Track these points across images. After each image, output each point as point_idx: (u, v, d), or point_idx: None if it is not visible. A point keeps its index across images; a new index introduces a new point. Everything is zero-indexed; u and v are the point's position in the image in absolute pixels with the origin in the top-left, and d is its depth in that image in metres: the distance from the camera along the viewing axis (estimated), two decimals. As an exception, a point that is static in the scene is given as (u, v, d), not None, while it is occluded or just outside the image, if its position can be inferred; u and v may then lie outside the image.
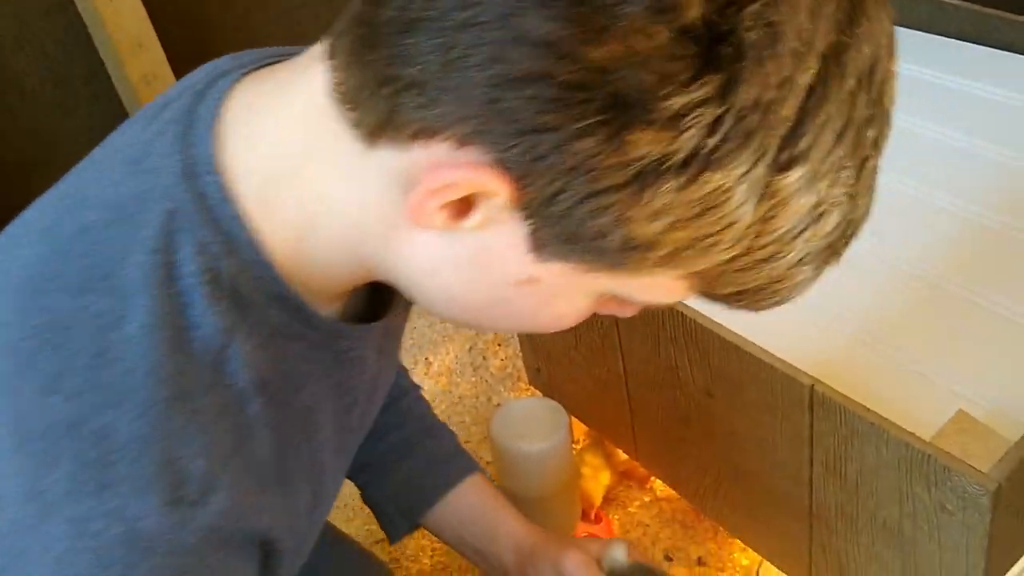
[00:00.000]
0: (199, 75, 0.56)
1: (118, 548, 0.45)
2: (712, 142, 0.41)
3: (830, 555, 0.98)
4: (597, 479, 1.23)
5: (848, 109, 0.43)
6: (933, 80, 1.19)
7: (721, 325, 0.92)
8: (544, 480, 1.12)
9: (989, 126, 1.13)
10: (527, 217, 0.46)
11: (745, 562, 1.19)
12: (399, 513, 0.91)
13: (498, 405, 1.39)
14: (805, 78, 0.41)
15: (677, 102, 0.40)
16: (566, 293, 0.51)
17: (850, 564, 0.96)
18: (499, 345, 1.47)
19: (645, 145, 0.41)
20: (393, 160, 0.47)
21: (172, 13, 1.43)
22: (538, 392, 1.34)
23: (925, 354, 0.90)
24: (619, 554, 0.84)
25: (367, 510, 0.92)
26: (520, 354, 1.43)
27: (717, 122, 0.41)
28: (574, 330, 1.11)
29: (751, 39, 0.40)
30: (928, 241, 1.01)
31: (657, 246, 0.45)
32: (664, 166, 0.42)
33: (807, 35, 0.41)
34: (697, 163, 0.42)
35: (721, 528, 1.21)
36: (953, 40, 1.25)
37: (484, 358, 1.46)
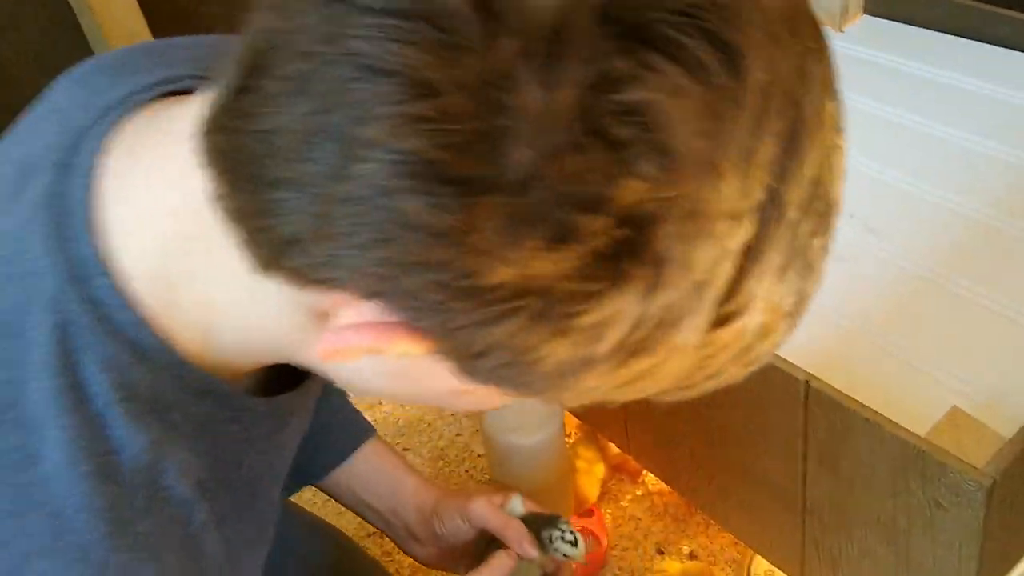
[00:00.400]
0: (52, 127, 0.50)
1: None
2: (639, 335, 0.37)
3: (822, 550, 0.98)
4: (592, 472, 1.23)
5: (791, 240, 0.38)
6: (923, 74, 1.19)
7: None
8: (536, 473, 1.12)
9: (983, 121, 1.13)
10: (451, 361, 0.40)
11: (736, 556, 1.20)
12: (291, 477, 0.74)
13: (489, 398, 1.39)
14: (739, 241, 0.36)
15: (592, 317, 0.36)
16: (496, 397, 0.47)
17: (842, 559, 0.97)
18: (490, 337, 1.47)
19: (564, 351, 0.38)
20: (292, 292, 0.41)
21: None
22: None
23: (920, 350, 0.90)
24: (517, 504, 0.85)
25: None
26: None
27: (641, 320, 0.37)
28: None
29: (669, 248, 0.35)
30: (924, 237, 1.01)
31: (584, 397, 0.43)
32: (587, 363, 0.38)
33: (737, 203, 0.35)
34: (623, 353, 0.38)
35: (713, 522, 1.21)
36: (941, 33, 1.25)
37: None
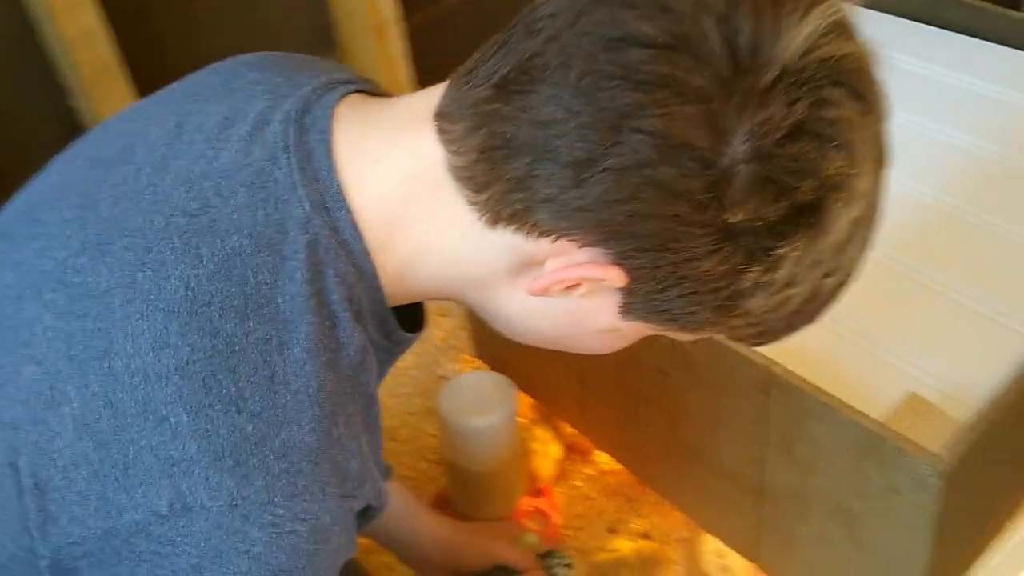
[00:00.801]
0: (278, 84, 0.63)
1: (307, 542, 0.55)
2: (798, 272, 0.55)
3: (777, 532, 0.99)
4: (547, 453, 1.22)
5: (873, 215, 0.58)
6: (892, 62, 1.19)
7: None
8: (491, 454, 1.11)
9: (944, 110, 1.14)
10: (628, 296, 0.57)
11: (688, 535, 1.20)
12: None
13: (441, 377, 1.37)
14: (857, 215, 0.55)
15: (783, 251, 0.53)
16: (633, 335, 0.63)
17: (797, 542, 0.97)
18: (442, 316, 1.45)
19: (751, 278, 0.54)
20: (514, 241, 0.57)
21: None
22: (482, 364, 1.32)
23: (879, 337, 0.91)
24: (531, 538, 1.04)
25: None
26: (463, 325, 1.41)
27: (810, 264, 0.55)
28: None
29: (835, 208, 0.53)
30: (884, 224, 1.02)
31: (731, 329, 0.60)
32: (759, 290, 0.55)
33: (868, 188, 0.55)
34: (784, 286, 0.55)
35: (666, 502, 1.21)
36: (898, 18, 1.26)
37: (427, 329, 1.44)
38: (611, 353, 0.66)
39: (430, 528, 0.99)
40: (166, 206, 0.58)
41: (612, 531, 1.22)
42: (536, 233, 0.56)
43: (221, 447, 0.54)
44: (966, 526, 0.93)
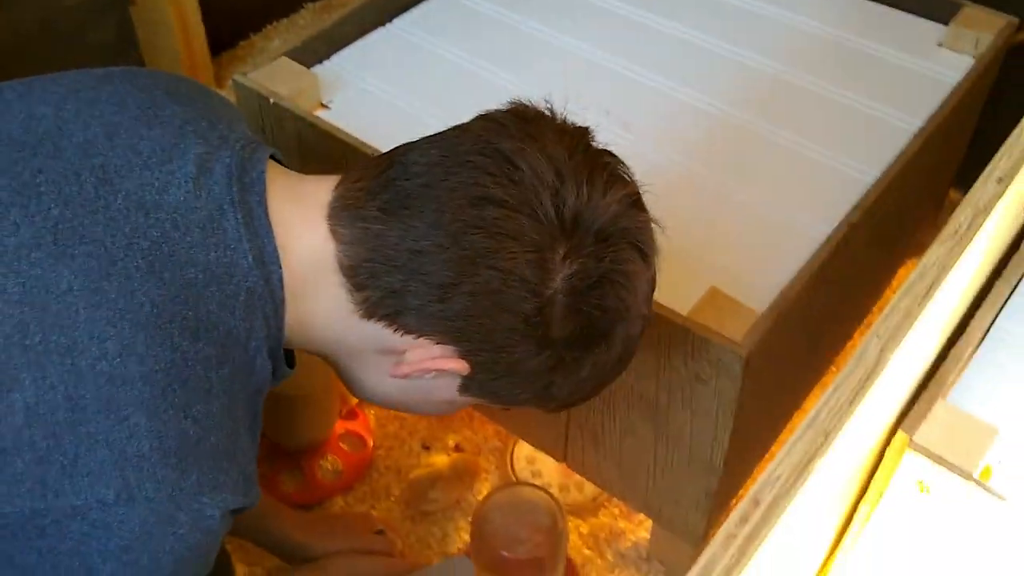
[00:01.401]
0: (205, 130, 0.73)
1: (217, 525, 0.65)
2: (593, 370, 0.74)
3: (585, 430, 1.04)
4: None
5: (642, 329, 0.77)
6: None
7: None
8: (305, 379, 1.09)
9: (727, 26, 1.21)
10: (468, 380, 0.73)
11: (499, 445, 1.24)
12: None
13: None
14: (634, 332, 0.75)
15: (584, 358, 0.73)
16: (463, 405, 0.80)
17: (605, 437, 1.02)
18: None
19: (560, 374, 0.74)
20: (383, 333, 0.71)
21: None
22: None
23: (681, 238, 0.96)
24: None
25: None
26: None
27: (601, 364, 0.75)
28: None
29: (620, 330, 0.73)
30: (674, 132, 1.07)
31: (540, 405, 0.79)
32: (567, 382, 0.74)
33: (642, 315, 0.75)
34: (583, 379, 0.75)
35: (477, 415, 1.24)
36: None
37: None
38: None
39: (288, 515, 1.09)
40: (126, 226, 0.65)
41: (426, 448, 1.24)
42: (402, 332, 0.70)
43: (169, 447, 0.62)
44: (763, 411, 1.01)
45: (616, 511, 1.18)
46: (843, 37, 1.21)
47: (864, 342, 0.59)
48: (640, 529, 1.17)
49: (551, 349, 0.71)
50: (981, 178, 0.68)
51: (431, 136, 0.72)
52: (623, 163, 0.73)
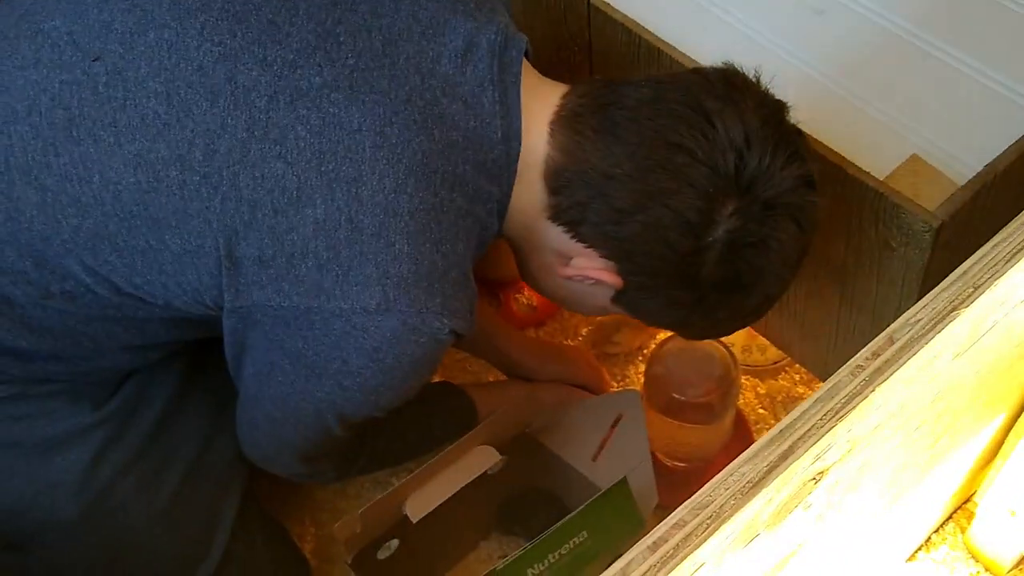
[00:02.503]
0: (484, 14, 0.83)
1: (448, 340, 0.80)
2: (727, 311, 0.85)
3: (772, 291, 1.05)
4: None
5: (782, 293, 0.89)
6: None
7: (698, 64, 0.94)
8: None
9: None
10: (620, 295, 0.84)
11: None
12: None
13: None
14: (773, 292, 0.86)
15: (719, 300, 0.83)
16: (614, 312, 0.90)
17: (789, 299, 1.02)
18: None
19: (699, 309, 0.84)
20: (561, 237, 0.81)
21: None
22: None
23: (884, 103, 0.93)
24: None
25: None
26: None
27: (735, 309, 0.85)
28: (544, 63, 1.11)
29: (760, 288, 0.83)
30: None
31: (679, 330, 0.93)
32: (702, 317, 0.85)
33: (785, 281, 0.85)
34: (717, 319, 0.86)
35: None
36: None
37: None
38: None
39: (515, 337, 1.20)
40: (406, 84, 0.76)
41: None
42: (576, 240, 0.80)
43: (423, 272, 0.74)
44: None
45: (796, 377, 1.20)
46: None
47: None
48: (818, 396, 1.18)
49: (697, 287, 0.80)
50: None
51: (647, 77, 0.81)
52: (808, 143, 0.81)
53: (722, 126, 0.76)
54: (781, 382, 1.20)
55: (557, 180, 0.80)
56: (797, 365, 1.19)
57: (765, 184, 0.76)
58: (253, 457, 0.95)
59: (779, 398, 1.19)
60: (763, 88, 0.81)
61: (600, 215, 0.78)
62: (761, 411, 1.18)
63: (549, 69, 0.87)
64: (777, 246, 0.78)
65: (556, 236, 0.82)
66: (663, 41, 0.97)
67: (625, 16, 1.00)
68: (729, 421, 1.09)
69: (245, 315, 0.77)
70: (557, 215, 0.81)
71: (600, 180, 0.77)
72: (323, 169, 0.73)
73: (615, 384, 1.22)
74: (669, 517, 0.50)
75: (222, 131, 0.73)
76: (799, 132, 0.81)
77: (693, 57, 0.95)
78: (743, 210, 0.76)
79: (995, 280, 0.56)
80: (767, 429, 1.17)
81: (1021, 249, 0.57)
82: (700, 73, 0.82)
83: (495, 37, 0.80)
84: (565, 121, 0.80)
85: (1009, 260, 0.56)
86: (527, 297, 1.28)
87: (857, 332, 0.98)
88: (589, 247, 0.81)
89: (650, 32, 0.98)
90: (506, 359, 1.17)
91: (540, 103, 0.82)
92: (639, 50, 0.99)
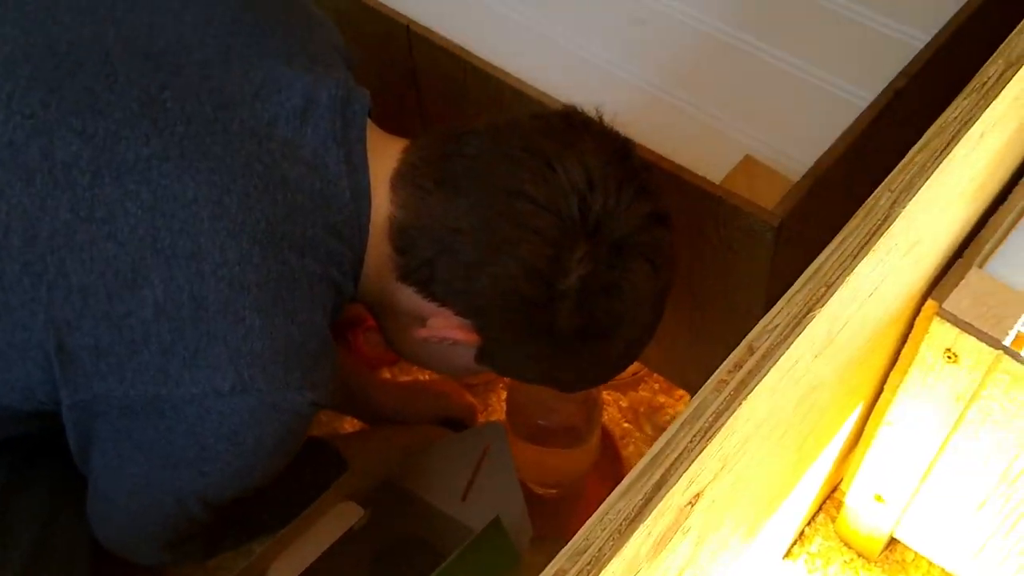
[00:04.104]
0: (305, 60, 0.78)
1: (312, 413, 0.76)
2: (590, 363, 0.84)
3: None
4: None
5: (645, 337, 0.85)
6: None
7: (524, 83, 0.93)
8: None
9: None
10: (481, 352, 0.81)
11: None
12: None
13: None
14: (633, 337, 0.82)
15: (581, 349, 0.80)
16: (482, 371, 0.86)
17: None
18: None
19: (560, 362, 0.82)
20: (413, 297, 0.78)
21: None
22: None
23: (713, 107, 0.94)
24: None
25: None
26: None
27: (596, 358, 0.83)
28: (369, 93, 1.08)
29: (619, 334, 0.79)
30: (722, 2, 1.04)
31: (550, 384, 0.87)
32: (565, 370, 0.84)
33: (645, 324, 0.82)
34: (579, 371, 0.85)
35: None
36: None
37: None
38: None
39: (380, 385, 1.16)
40: (242, 150, 0.71)
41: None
42: (429, 298, 0.77)
43: (279, 346, 0.70)
44: (793, 278, 0.99)
45: (656, 386, 1.20)
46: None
47: (875, 195, 0.58)
48: (679, 403, 1.18)
49: (556, 338, 0.77)
50: (1016, 30, 0.65)
51: (487, 123, 0.78)
52: (655, 179, 0.78)
53: (562, 169, 0.73)
54: (642, 393, 1.20)
55: (402, 238, 0.76)
56: (655, 375, 1.19)
57: (613, 225, 0.74)
58: (111, 549, 0.88)
59: (642, 409, 1.18)
60: (606, 126, 0.79)
61: (449, 271, 0.75)
62: (626, 425, 1.17)
63: (376, 99, 0.84)
64: (631, 288, 0.76)
65: (409, 297, 0.78)
66: (489, 64, 0.95)
67: (448, 41, 0.97)
68: (596, 440, 1.07)
69: (87, 408, 0.71)
70: (406, 275, 0.77)
71: (445, 235, 0.74)
72: (159, 246, 0.67)
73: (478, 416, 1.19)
74: (548, 568, 0.47)
75: (42, 213, 0.67)
76: (646, 168, 0.79)
77: (521, 77, 0.93)
78: (593, 254, 0.74)
79: (845, 276, 0.55)
80: (634, 442, 1.18)
81: (866, 242, 0.57)
82: (540, 117, 0.79)
83: (336, 92, 0.76)
84: (406, 177, 0.77)
85: (856, 255, 0.56)
86: (377, 332, 1.24)
87: (710, 336, 0.98)
88: (442, 306, 0.77)
89: (475, 56, 0.96)
90: (366, 408, 1.13)
91: (382, 160, 0.78)
92: (466, 75, 0.97)
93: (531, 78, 0.93)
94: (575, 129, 0.77)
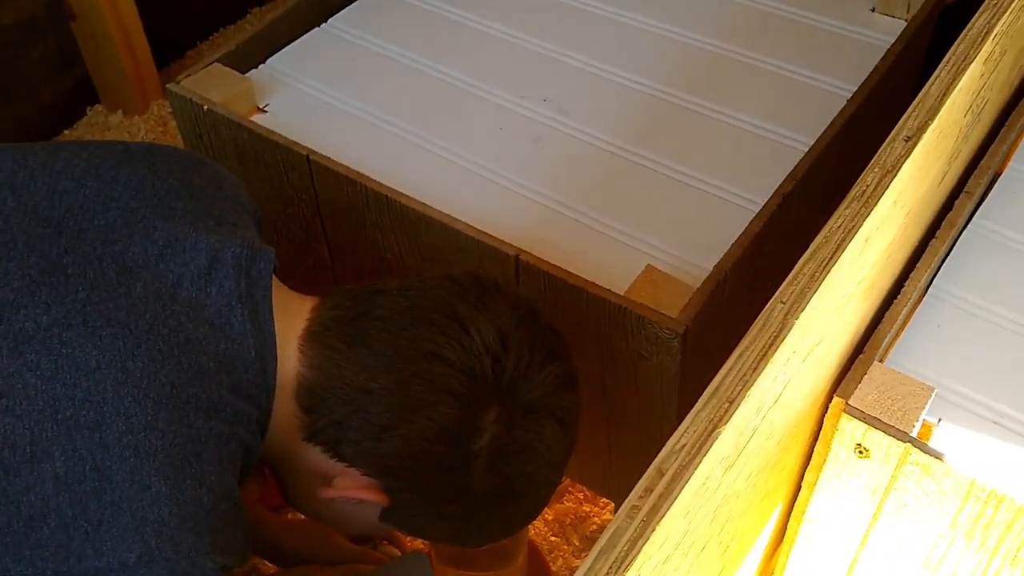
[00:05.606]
0: (226, 229, 0.78)
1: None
2: (500, 522, 0.84)
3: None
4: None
5: (553, 492, 0.86)
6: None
7: (427, 205, 0.94)
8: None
9: (659, 5, 1.21)
10: (386, 512, 0.80)
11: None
12: None
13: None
14: (544, 495, 0.84)
15: (494, 511, 0.81)
16: (383, 528, 0.84)
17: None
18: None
19: (471, 523, 0.82)
20: (320, 456, 0.76)
21: None
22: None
23: (612, 219, 0.96)
24: None
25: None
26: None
27: (507, 518, 0.84)
28: (274, 221, 1.08)
29: (531, 493, 0.81)
30: (607, 114, 1.07)
31: (452, 542, 0.90)
32: (475, 532, 0.84)
33: (553, 482, 0.83)
34: (490, 530, 0.85)
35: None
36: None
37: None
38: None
39: (292, 528, 1.12)
40: (147, 313, 0.69)
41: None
42: (336, 458, 0.76)
43: (187, 513, 0.66)
44: (703, 379, 1.00)
45: (580, 496, 1.19)
46: (776, 7, 1.21)
47: (768, 307, 0.59)
48: (605, 512, 1.17)
49: (466, 499, 0.77)
50: (889, 137, 0.68)
51: (399, 284, 0.80)
52: (563, 340, 0.81)
53: (476, 331, 0.75)
54: (567, 504, 1.18)
55: (311, 398, 0.75)
56: (579, 484, 1.18)
57: (526, 386, 0.75)
58: None
59: (568, 521, 1.17)
60: (514, 290, 0.81)
61: (359, 432, 0.75)
62: (553, 538, 1.16)
63: (282, 229, 0.83)
64: (544, 449, 0.77)
65: (314, 457, 0.77)
66: (389, 187, 0.96)
67: (347, 168, 0.98)
68: (523, 558, 1.05)
69: None
70: (314, 435, 0.76)
71: (357, 396, 0.74)
72: (59, 417, 0.65)
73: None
74: None
75: None
76: (554, 331, 0.81)
77: (421, 199, 0.94)
78: (506, 415, 0.75)
79: (747, 390, 0.56)
80: (563, 556, 1.17)
81: (764, 355, 0.57)
82: (452, 279, 0.80)
83: (240, 251, 0.76)
84: (316, 336, 0.76)
85: (755, 368, 0.57)
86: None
87: (628, 444, 0.99)
88: (350, 466, 0.76)
89: (375, 180, 0.96)
90: (284, 558, 1.08)
91: (289, 318, 0.77)
92: (367, 200, 0.98)
93: (431, 198, 0.94)
94: (487, 292, 0.78)
